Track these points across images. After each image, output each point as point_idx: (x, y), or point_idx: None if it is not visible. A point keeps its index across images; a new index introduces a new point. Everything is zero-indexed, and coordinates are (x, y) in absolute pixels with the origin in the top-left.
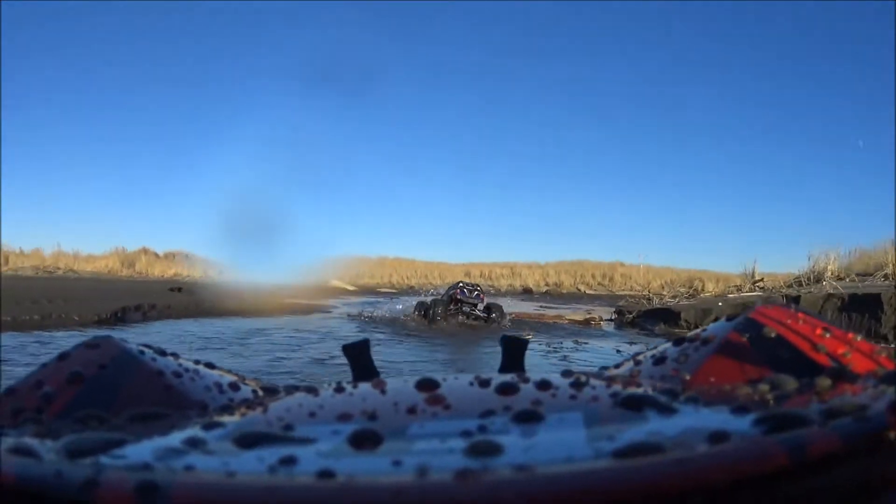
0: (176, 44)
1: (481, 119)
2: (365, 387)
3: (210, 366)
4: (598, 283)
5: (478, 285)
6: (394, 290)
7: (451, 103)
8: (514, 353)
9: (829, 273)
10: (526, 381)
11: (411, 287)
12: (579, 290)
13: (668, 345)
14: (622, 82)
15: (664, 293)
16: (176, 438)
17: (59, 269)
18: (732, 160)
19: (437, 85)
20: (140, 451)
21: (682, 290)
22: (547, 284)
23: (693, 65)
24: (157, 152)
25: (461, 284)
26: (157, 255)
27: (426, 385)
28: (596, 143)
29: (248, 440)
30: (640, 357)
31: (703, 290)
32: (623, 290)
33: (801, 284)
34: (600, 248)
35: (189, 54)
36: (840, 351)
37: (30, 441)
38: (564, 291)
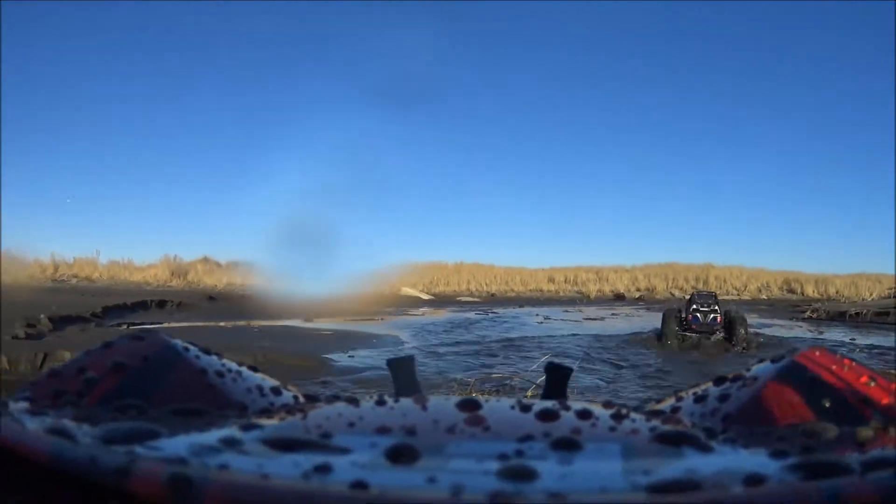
0: (236, 55)
1: (559, 117)
2: (406, 402)
3: (253, 369)
4: (692, 287)
5: (715, 297)
6: (475, 299)
7: (524, 101)
8: (556, 381)
9: None
10: (567, 408)
11: (492, 295)
12: (673, 294)
13: (710, 384)
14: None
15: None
16: (213, 436)
17: (77, 277)
18: (822, 158)
19: (505, 84)
20: (176, 444)
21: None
22: (638, 290)
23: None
24: (220, 166)
25: (694, 307)
26: (218, 265)
27: (467, 405)
28: (679, 143)
29: (284, 444)
30: (682, 394)
31: None
32: (729, 294)
33: None
34: (688, 249)
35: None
36: (885, 402)
37: (68, 423)
38: (659, 297)
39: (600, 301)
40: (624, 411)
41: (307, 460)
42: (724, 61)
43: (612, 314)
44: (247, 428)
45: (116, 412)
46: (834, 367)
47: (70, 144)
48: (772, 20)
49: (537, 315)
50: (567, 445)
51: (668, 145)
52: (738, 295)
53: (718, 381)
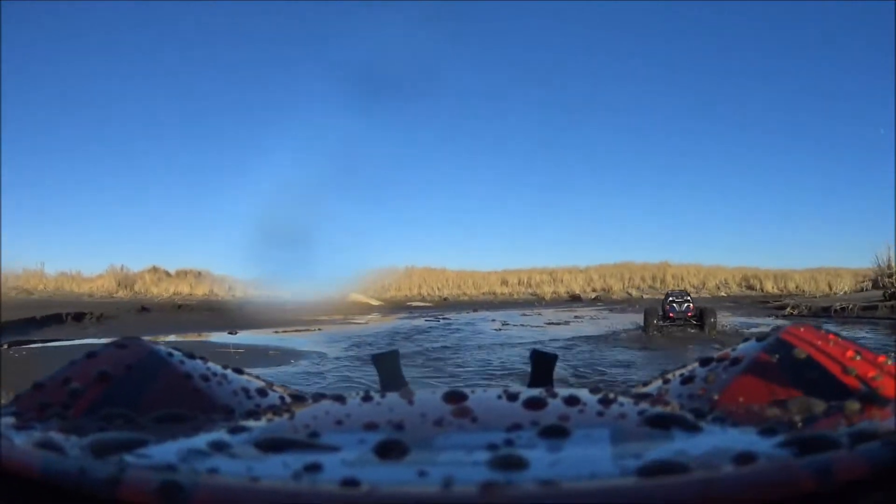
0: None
1: (509, 117)
2: (392, 397)
3: (238, 371)
4: (649, 286)
5: (687, 294)
6: (427, 304)
7: (479, 99)
8: (542, 368)
9: None
10: (554, 395)
11: (444, 299)
12: (630, 294)
13: (696, 364)
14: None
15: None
16: (201, 441)
17: (17, 289)
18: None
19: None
20: (164, 451)
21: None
22: (594, 290)
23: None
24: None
25: (670, 299)
26: (167, 273)
27: (454, 397)
28: (631, 141)
29: (273, 445)
30: (669, 376)
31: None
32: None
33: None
34: (643, 248)
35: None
36: (870, 374)
37: (55, 436)
38: (616, 297)
39: (556, 303)
40: (611, 396)
41: (296, 460)
42: (680, 61)
43: (575, 317)
44: (234, 431)
45: (103, 422)
46: (819, 342)
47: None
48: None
49: (493, 320)
50: (556, 433)
51: (620, 144)
52: (697, 292)
53: (705, 361)
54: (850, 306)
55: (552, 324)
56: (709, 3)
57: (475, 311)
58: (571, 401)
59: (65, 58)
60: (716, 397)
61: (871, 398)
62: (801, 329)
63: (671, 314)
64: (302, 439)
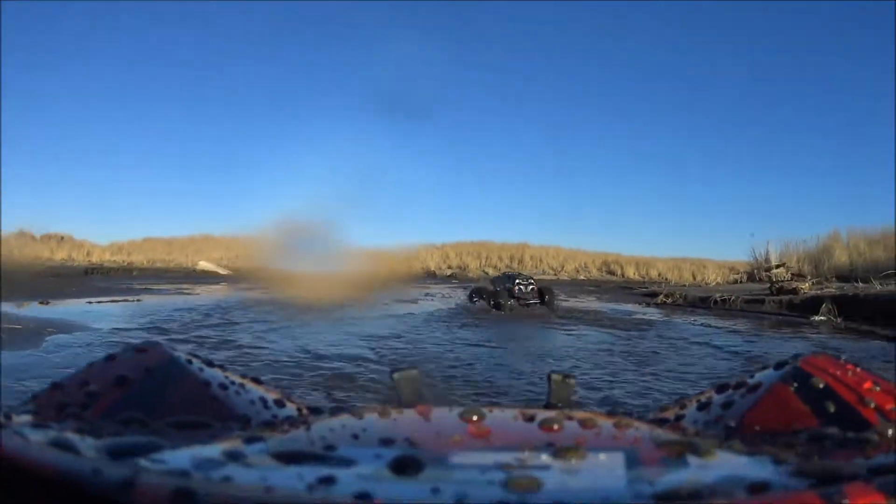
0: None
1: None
2: (409, 413)
3: (257, 381)
4: (507, 266)
5: (531, 278)
6: None
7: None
8: (559, 389)
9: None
10: (570, 418)
11: None
12: (486, 272)
13: (713, 391)
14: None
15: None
16: (216, 449)
17: None
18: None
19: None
20: (180, 457)
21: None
22: (450, 267)
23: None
24: None
25: (518, 281)
26: (33, 238)
27: (471, 415)
28: (492, 121)
29: (288, 457)
30: (686, 401)
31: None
32: (546, 274)
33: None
34: (503, 228)
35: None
36: (888, 406)
37: (71, 436)
38: (472, 275)
39: (412, 279)
40: (626, 420)
41: (311, 472)
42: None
43: (426, 294)
44: (250, 440)
45: (120, 425)
46: (838, 372)
47: None
48: None
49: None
50: (571, 455)
51: (480, 122)
52: (556, 275)
53: (721, 388)
54: (732, 298)
55: (400, 301)
56: None
57: None
58: (587, 423)
59: None
60: (732, 424)
61: (889, 430)
62: (820, 358)
63: (518, 296)
64: (317, 452)
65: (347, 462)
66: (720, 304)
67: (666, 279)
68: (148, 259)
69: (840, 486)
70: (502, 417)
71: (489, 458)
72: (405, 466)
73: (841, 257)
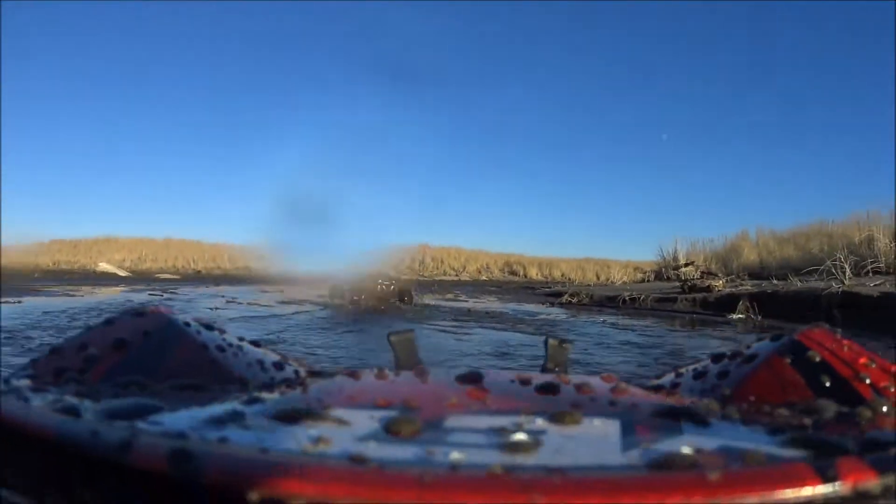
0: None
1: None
2: (406, 375)
3: (255, 343)
4: (407, 267)
5: (394, 279)
6: (175, 276)
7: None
8: (556, 354)
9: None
10: (567, 382)
11: (198, 272)
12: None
13: (709, 360)
14: None
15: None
16: (214, 411)
17: None
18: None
19: None
20: (177, 419)
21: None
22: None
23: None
24: None
25: (380, 281)
26: None
27: (468, 378)
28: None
29: (284, 418)
30: (682, 370)
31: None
32: (447, 275)
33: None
34: (401, 230)
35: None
36: (882, 383)
37: (70, 400)
38: None
39: (304, 281)
40: (623, 386)
41: (307, 434)
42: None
43: (318, 295)
44: (248, 402)
45: (119, 389)
46: (834, 346)
47: None
48: None
49: (223, 297)
50: (566, 420)
51: (368, 125)
52: (458, 275)
53: (717, 358)
54: (642, 297)
55: (284, 302)
56: None
57: (217, 285)
58: (583, 388)
59: None
60: (727, 393)
61: (883, 406)
62: (816, 332)
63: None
64: (313, 413)
65: (343, 423)
66: (629, 303)
67: (569, 279)
68: (53, 261)
69: (832, 459)
70: (499, 381)
71: (485, 421)
72: (400, 428)
73: (750, 256)
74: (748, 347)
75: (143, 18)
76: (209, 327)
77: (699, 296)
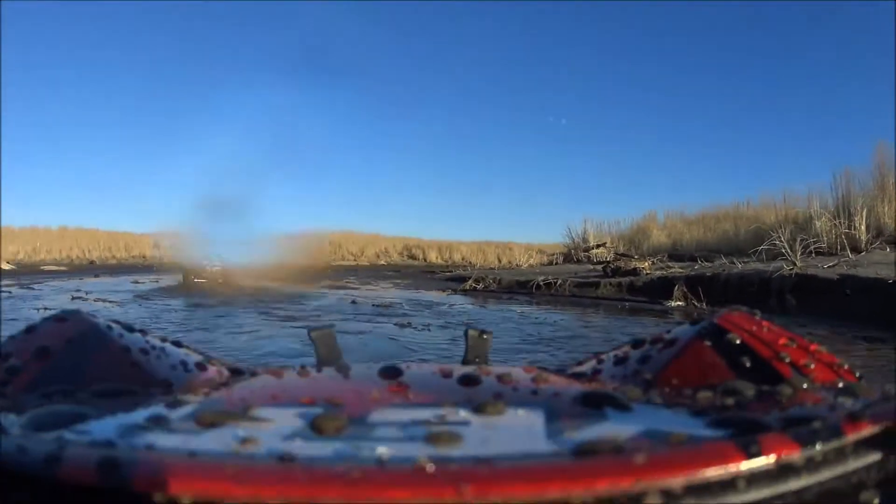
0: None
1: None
2: (328, 371)
3: (177, 344)
4: (303, 254)
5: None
6: (62, 268)
7: None
8: (476, 345)
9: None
10: (488, 373)
11: (91, 262)
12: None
13: (629, 346)
14: None
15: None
16: (139, 416)
17: None
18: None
19: None
20: (104, 427)
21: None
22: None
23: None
24: None
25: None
26: None
27: (389, 373)
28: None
29: (210, 420)
30: (603, 356)
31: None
32: (345, 260)
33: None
34: (295, 215)
35: None
36: (802, 361)
37: None
38: None
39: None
40: (544, 374)
41: (233, 435)
42: None
43: (195, 279)
44: (172, 405)
45: (43, 398)
46: (754, 328)
47: None
48: None
49: (88, 292)
50: (490, 410)
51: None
52: (356, 260)
53: (637, 343)
54: (559, 282)
55: (140, 296)
56: None
57: (96, 276)
58: (505, 379)
59: None
60: (649, 378)
61: (803, 384)
62: (735, 315)
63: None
64: (239, 414)
65: (268, 423)
66: (544, 288)
67: (470, 262)
68: None
69: (755, 436)
70: (421, 374)
71: (409, 414)
72: (325, 425)
73: (660, 237)
74: (668, 332)
75: None
76: (131, 329)
77: (625, 280)
